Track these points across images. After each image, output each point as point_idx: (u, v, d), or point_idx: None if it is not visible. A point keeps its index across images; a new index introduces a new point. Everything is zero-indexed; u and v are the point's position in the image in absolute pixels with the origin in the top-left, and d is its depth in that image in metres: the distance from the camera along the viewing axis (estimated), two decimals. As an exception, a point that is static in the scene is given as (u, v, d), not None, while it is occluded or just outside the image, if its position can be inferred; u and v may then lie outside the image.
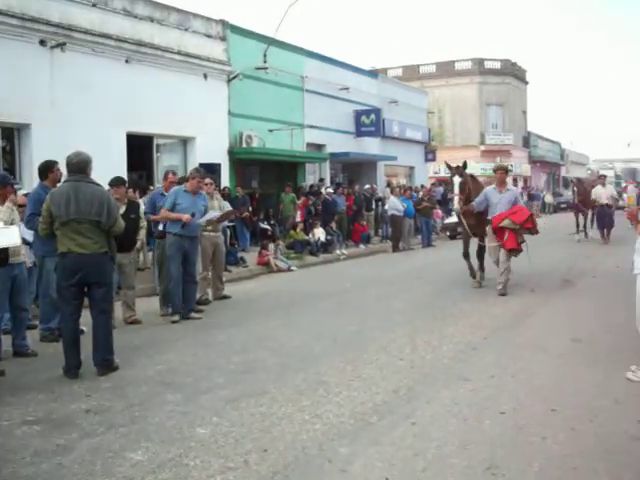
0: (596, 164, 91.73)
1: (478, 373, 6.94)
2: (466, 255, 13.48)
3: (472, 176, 13.77)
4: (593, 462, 4.67)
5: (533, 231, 12.22)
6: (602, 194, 22.06)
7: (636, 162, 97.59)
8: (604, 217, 22.11)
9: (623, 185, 47.42)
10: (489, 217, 12.17)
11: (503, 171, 12.52)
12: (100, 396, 6.44)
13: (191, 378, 7.01)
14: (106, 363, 7.37)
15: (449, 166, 13.44)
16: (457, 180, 12.73)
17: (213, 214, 11.03)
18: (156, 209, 10.92)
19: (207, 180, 11.90)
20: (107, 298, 7.57)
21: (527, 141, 56.28)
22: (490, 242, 12.39)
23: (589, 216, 23.81)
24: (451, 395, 6.21)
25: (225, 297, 12.34)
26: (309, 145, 25.80)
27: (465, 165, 13.16)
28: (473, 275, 13.34)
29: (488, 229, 12.38)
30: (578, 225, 23.47)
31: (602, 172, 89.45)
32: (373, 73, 33.34)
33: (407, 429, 5.34)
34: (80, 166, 7.46)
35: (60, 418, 5.87)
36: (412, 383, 6.65)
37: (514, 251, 11.98)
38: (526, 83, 58.16)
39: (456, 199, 12.65)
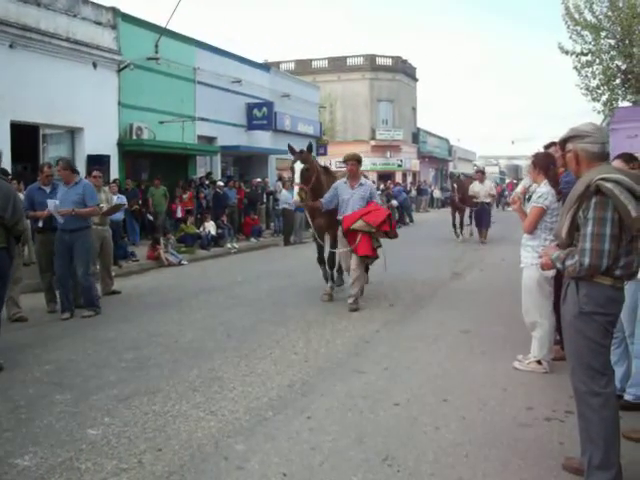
0: (482, 160, 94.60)
1: (372, 365, 7.03)
2: (320, 261, 11.68)
3: (325, 168, 12.13)
4: (483, 449, 4.81)
5: (391, 234, 10.43)
6: (480, 191, 20.98)
7: (519, 159, 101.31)
8: (482, 215, 21.17)
9: (507, 182, 49.12)
10: (339, 217, 10.33)
11: (355, 162, 10.37)
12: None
13: (81, 377, 6.79)
14: None
15: (291, 149, 10.95)
16: (298, 167, 10.42)
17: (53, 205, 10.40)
18: (34, 204, 10.39)
19: (95, 172, 11.72)
20: (1, 292, 7.57)
21: (416, 137, 57.43)
22: (341, 247, 10.65)
23: (467, 213, 22.81)
24: (346, 388, 6.26)
25: (115, 292, 12.05)
26: (200, 138, 25.51)
27: (310, 148, 10.93)
28: (330, 283, 11.48)
29: (339, 232, 10.58)
30: (455, 225, 22.43)
31: (487, 168, 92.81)
32: (266, 66, 33.25)
33: (303, 423, 5.35)
34: None
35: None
36: (307, 377, 6.66)
37: (368, 258, 10.36)
38: (416, 80, 59.33)
39: (295, 190, 10.42)
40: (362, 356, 7.48)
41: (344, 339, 8.27)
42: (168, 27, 22.61)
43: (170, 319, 9.74)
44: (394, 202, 31.00)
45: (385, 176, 47.95)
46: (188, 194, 21.71)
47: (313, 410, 5.65)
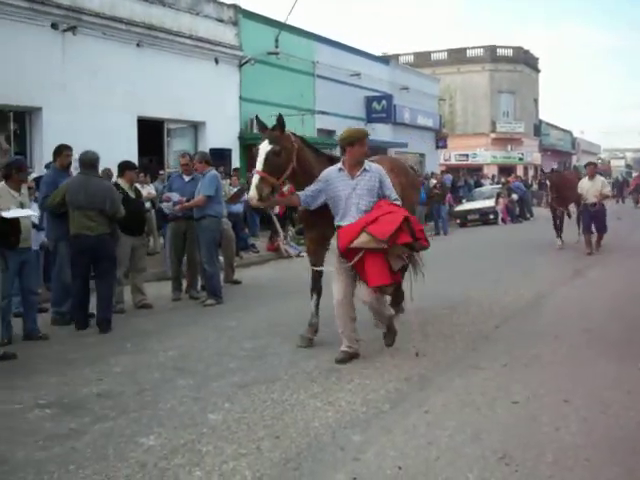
0: (607, 153, 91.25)
1: (490, 362, 6.90)
2: (316, 291, 8.30)
3: (305, 142, 7.78)
4: (606, 453, 4.63)
5: (417, 246, 6.95)
6: (589, 189, 16.31)
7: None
8: (590, 220, 16.33)
9: (635, 175, 47.03)
10: (339, 223, 6.98)
11: (356, 140, 6.96)
12: (112, 380, 6.45)
13: (203, 364, 7.01)
14: (106, 321, 8.68)
15: (259, 123, 7.73)
16: (264, 149, 7.12)
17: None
18: (172, 190, 10.92)
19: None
20: (110, 269, 8.97)
21: (538, 129, 55.91)
22: (338, 264, 7.11)
23: (572, 216, 18.45)
24: (464, 384, 6.18)
25: (236, 282, 12.34)
26: (320, 131, 25.74)
27: (282, 123, 7.31)
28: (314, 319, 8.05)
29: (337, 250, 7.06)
30: (557, 228, 17.99)
31: (612, 161, 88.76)
32: (384, 59, 33.19)
33: (420, 417, 5.32)
34: (91, 163, 8.89)
35: (72, 402, 5.89)
36: (424, 371, 6.61)
37: (386, 287, 6.95)
38: (538, 71, 57.77)
39: (254, 180, 7.11)
40: (480, 352, 7.36)
41: (462, 334, 8.17)
42: (287, 22, 22.91)
43: (289, 310, 9.87)
44: (514, 196, 30.30)
45: (505, 169, 46.93)
46: (288, 187, 21.61)
47: (430, 405, 5.61)
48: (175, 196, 10.65)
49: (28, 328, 8.27)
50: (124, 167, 10.04)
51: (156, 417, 5.39)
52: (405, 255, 6.84)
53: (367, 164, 7.09)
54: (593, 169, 16.92)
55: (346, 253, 6.85)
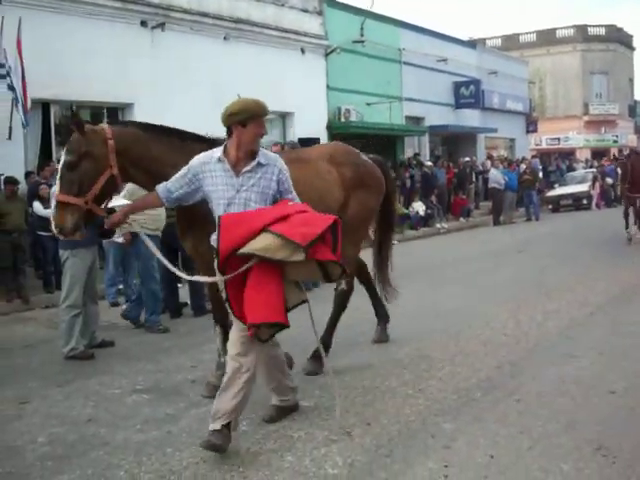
0: None
1: (585, 350, 6.73)
2: (220, 319, 5.87)
3: (149, 131, 5.71)
4: None
5: (334, 271, 4.60)
6: None
7: None
8: None
9: None
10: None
11: (251, 118, 4.85)
12: (205, 367, 6.59)
13: (295, 350, 7.06)
14: (200, 307, 9.08)
15: (73, 117, 5.78)
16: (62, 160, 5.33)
17: None
18: None
19: None
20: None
21: (633, 110, 53.91)
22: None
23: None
24: (557, 372, 6.04)
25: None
26: (407, 118, 25.60)
27: (78, 120, 5.33)
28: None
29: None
30: (627, 219, 15.59)
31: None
32: (471, 44, 32.70)
33: (511, 406, 5.24)
34: None
35: (167, 388, 6.07)
36: (516, 359, 6.52)
37: (269, 328, 4.55)
38: (632, 49, 55.66)
39: (52, 209, 5.60)
40: (575, 340, 7.19)
41: (556, 321, 8.00)
42: (372, 10, 22.84)
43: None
44: (609, 180, 29.32)
45: (599, 153, 45.53)
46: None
47: (522, 393, 5.52)
48: None
49: (148, 320, 8.66)
50: None
51: (249, 403, 5.47)
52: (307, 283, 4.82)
53: (263, 154, 4.87)
54: None
55: (227, 263, 4.37)
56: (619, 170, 16.43)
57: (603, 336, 7.28)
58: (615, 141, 49.12)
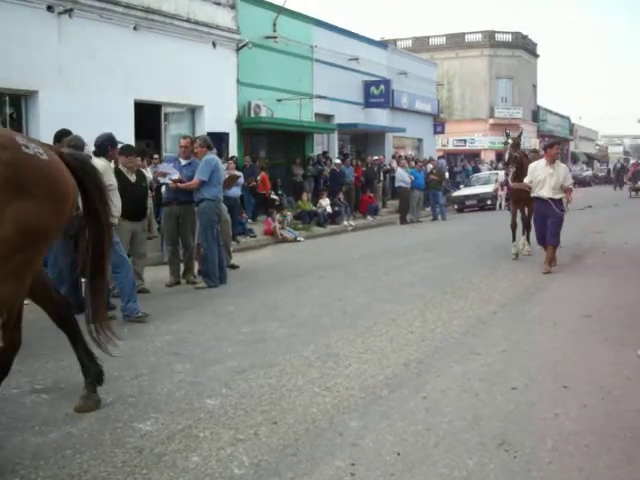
0: (605, 139, 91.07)
1: (489, 347, 6.88)
2: None
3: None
4: (606, 440, 4.60)
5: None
6: (546, 179, 11.43)
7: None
8: (544, 218, 11.60)
9: (632, 162, 46.88)
10: None
11: None
12: (108, 365, 6.37)
13: (200, 348, 6.98)
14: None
15: None
16: None
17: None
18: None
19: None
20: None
21: (536, 115, 55.76)
22: None
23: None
24: (462, 369, 6.15)
25: (233, 267, 12.31)
26: (317, 115, 25.63)
27: None
28: None
29: None
30: (514, 227, 13.41)
31: (610, 148, 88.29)
32: (383, 44, 33.03)
33: (418, 403, 5.29)
34: (76, 148, 8.18)
35: (69, 387, 5.84)
36: (423, 356, 6.59)
37: None
38: (536, 56, 57.54)
39: None
40: (479, 337, 7.33)
41: (461, 319, 8.14)
42: (286, 6, 22.78)
43: (287, 294, 9.87)
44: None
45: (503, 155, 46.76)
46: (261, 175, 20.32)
47: (429, 390, 5.58)
48: (168, 167, 10.76)
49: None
50: (125, 151, 9.99)
51: (153, 402, 5.36)
52: None
53: None
54: (556, 151, 11.88)
55: None
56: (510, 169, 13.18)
57: (505, 334, 7.44)
58: (545, 145, 50.46)
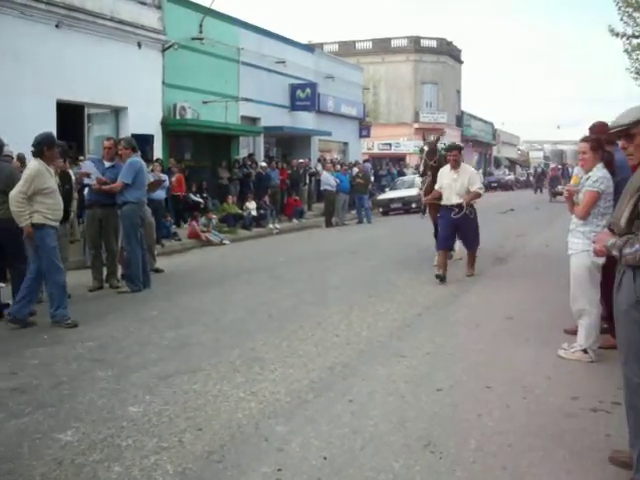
0: (526, 145, 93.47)
1: (413, 350, 6.94)
2: None
3: None
4: (528, 438, 4.70)
5: None
6: (451, 185, 10.85)
7: (564, 144, 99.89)
8: (449, 230, 11.01)
9: (552, 166, 48.25)
10: None
11: None
12: (27, 374, 6.22)
13: (122, 354, 6.83)
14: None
15: None
16: None
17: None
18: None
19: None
20: (16, 254, 8.61)
21: (460, 120, 56.82)
22: None
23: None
24: (387, 372, 6.18)
25: (157, 270, 12.12)
26: (243, 118, 25.53)
27: None
28: None
29: None
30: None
31: (531, 153, 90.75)
32: (309, 47, 33.14)
33: (344, 407, 5.29)
34: None
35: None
36: (348, 360, 6.60)
37: None
38: (461, 62, 58.66)
39: None
40: (404, 340, 7.39)
41: (386, 322, 8.19)
42: (212, 7, 22.63)
43: (212, 298, 9.78)
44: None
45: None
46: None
47: (354, 394, 5.59)
48: (91, 167, 10.54)
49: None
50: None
51: (74, 411, 5.21)
52: None
53: None
54: (457, 155, 11.13)
55: None
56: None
57: (430, 336, 7.52)
58: (443, 148, 51.39)
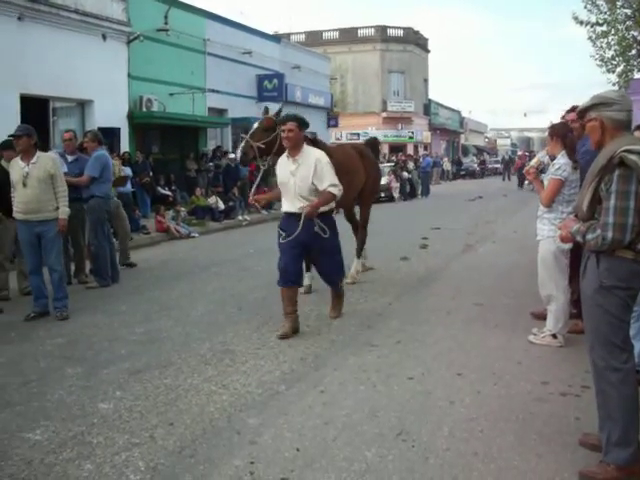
0: (493, 132, 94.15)
1: (384, 339, 6.96)
2: None
3: None
4: (499, 424, 4.74)
5: None
6: (289, 183, 7.20)
7: (531, 131, 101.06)
8: (297, 245, 7.27)
9: (519, 153, 48.72)
10: None
11: None
12: (5, 372, 6.13)
13: (92, 350, 6.77)
14: None
15: None
16: None
17: None
18: None
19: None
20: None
21: (428, 109, 57.04)
22: None
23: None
24: (359, 362, 6.20)
25: (131, 265, 12.01)
26: (211, 110, 25.38)
27: None
28: None
29: None
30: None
31: (498, 140, 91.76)
32: (276, 38, 33.00)
33: (316, 397, 5.29)
34: None
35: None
36: (319, 350, 6.61)
37: None
38: (428, 51, 58.80)
39: None
40: (375, 329, 7.41)
41: (356, 312, 8.20)
42: (177, -2, 22.44)
43: (181, 292, 9.71)
44: (405, 174, 31.20)
45: (396, 148, 47.69)
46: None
47: (326, 384, 5.60)
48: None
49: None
50: (2, 146, 9.56)
51: (43, 409, 5.15)
52: None
53: None
54: (294, 131, 7.08)
55: None
56: None
57: (400, 325, 7.55)
58: (411, 137, 51.72)
